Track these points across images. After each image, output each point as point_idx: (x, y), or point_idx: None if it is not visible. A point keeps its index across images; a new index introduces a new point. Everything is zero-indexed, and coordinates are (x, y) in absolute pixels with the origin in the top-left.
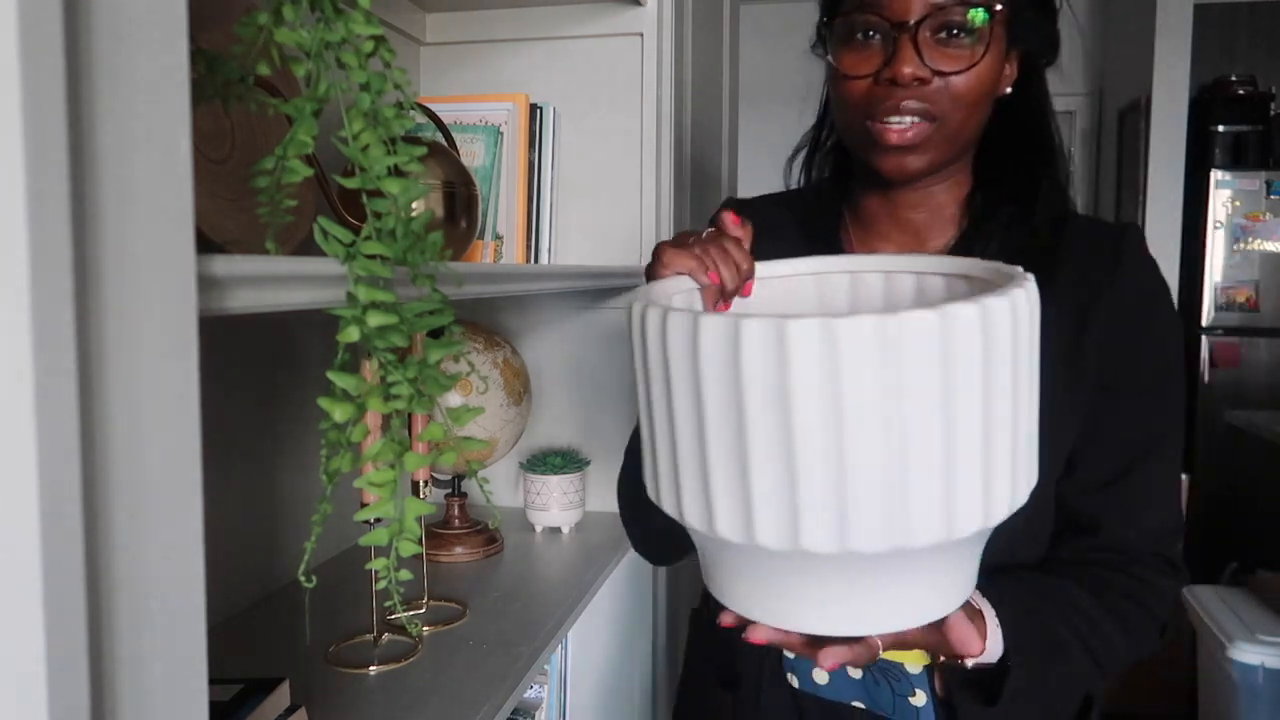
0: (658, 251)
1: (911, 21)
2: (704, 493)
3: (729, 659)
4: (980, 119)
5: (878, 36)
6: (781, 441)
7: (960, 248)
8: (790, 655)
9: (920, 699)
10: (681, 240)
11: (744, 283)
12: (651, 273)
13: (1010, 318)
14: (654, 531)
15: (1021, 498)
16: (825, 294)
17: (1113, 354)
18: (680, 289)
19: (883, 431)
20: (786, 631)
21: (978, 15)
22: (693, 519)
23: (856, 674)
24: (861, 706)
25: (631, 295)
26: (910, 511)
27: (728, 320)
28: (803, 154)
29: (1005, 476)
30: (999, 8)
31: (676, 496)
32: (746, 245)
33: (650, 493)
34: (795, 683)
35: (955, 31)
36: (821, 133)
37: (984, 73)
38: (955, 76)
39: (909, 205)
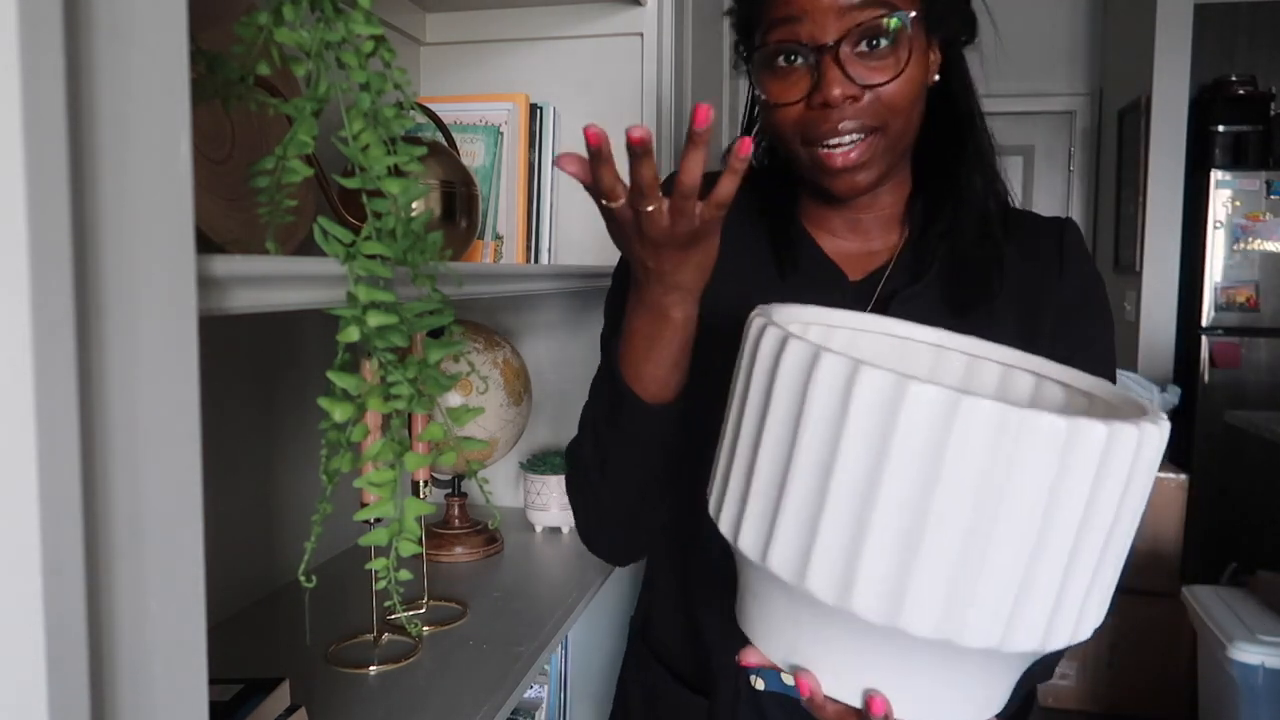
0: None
1: (831, 41)
2: (769, 521)
3: (699, 664)
4: (919, 116)
5: (800, 60)
6: (865, 495)
7: (909, 253)
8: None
9: None
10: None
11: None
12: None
13: (1134, 450)
14: (616, 505)
15: (1084, 634)
16: (939, 369)
17: (1067, 335)
18: (805, 318)
19: (970, 520)
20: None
21: (894, 22)
22: (747, 545)
23: None
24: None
25: (759, 310)
26: (971, 609)
27: (847, 361)
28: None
29: (1074, 608)
30: (913, 12)
31: (737, 519)
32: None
33: (711, 506)
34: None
35: (876, 42)
36: (753, 129)
37: (913, 74)
38: (886, 86)
39: (857, 208)
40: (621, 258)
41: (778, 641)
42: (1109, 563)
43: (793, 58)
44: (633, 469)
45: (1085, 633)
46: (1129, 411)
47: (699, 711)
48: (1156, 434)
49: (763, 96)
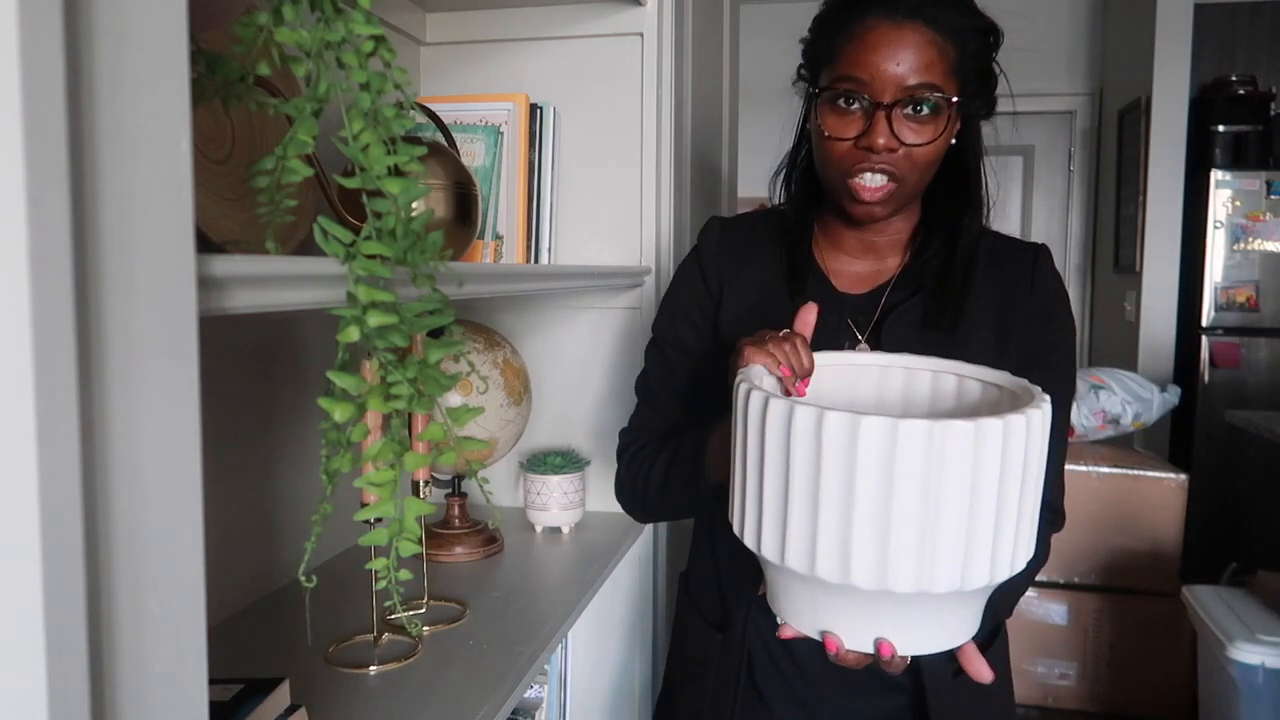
0: (740, 348)
1: (887, 101)
2: (781, 533)
3: (721, 606)
4: (934, 171)
5: (858, 108)
6: (845, 501)
7: (907, 274)
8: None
9: None
10: (760, 339)
11: (804, 378)
12: (732, 364)
13: (1025, 432)
14: (662, 512)
15: (1019, 565)
16: (885, 385)
17: (1031, 342)
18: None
19: (921, 503)
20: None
21: (938, 99)
22: (769, 553)
23: None
24: None
25: (740, 376)
26: (934, 564)
27: (812, 409)
28: (783, 173)
29: (1007, 549)
30: (954, 96)
31: (758, 535)
32: (809, 334)
33: (735, 529)
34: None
35: (921, 110)
36: (798, 156)
37: (941, 141)
38: (919, 148)
39: (871, 231)
40: (672, 285)
41: (804, 616)
42: (1026, 512)
43: (853, 104)
44: (687, 506)
45: (1020, 565)
46: (1026, 398)
47: (715, 643)
48: (1040, 417)
49: (821, 126)
